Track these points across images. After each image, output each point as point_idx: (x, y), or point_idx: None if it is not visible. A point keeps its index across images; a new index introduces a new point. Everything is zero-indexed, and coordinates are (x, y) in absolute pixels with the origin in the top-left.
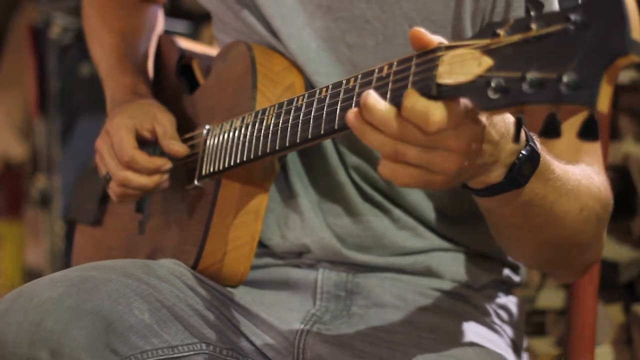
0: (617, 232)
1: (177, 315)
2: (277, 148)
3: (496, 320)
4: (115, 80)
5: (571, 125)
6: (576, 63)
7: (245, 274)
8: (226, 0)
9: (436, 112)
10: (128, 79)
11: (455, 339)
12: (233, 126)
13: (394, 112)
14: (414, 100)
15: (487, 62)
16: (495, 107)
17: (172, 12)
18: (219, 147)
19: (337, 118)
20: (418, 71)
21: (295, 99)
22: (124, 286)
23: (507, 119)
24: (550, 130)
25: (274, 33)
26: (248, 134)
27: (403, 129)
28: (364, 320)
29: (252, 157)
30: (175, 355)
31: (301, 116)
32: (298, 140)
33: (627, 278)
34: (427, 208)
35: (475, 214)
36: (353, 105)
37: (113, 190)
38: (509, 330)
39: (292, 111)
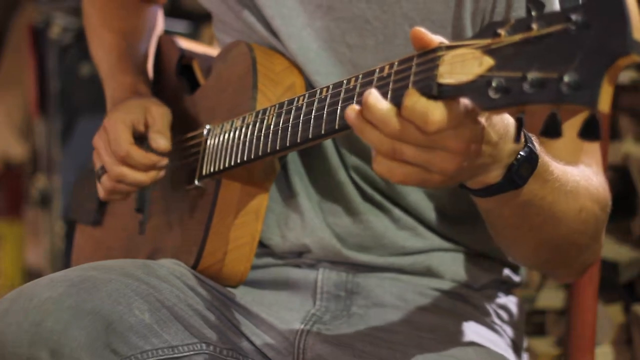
0: (617, 232)
1: (177, 315)
2: (277, 148)
3: (496, 320)
4: (116, 80)
5: (571, 126)
6: (577, 63)
7: (245, 274)
8: (227, 0)
9: (436, 112)
10: (128, 78)
11: (455, 339)
12: (234, 126)
13: (394, 112)
14: (414, 100)
15: (488, 61)
16: (496, 107)
17: (172, 12)
18: (220, 147)
19: (337, 118)
20: (419, 71)
21: (296, 99)
22: (124, 286)
23: (506, 120)
24: (551, 130)
25: (274, 33)
26: (249, 133)
27: (402, 129)
28: (364, 320)
29: (252, 157)
30: (175, 355)
31: (302, 116)
32: (298, 140)
33: (627, 278)
34: (427, 208)
35: (475, 214)
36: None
37: (104, 185)
38: (509, 330)
39: (293, 111)
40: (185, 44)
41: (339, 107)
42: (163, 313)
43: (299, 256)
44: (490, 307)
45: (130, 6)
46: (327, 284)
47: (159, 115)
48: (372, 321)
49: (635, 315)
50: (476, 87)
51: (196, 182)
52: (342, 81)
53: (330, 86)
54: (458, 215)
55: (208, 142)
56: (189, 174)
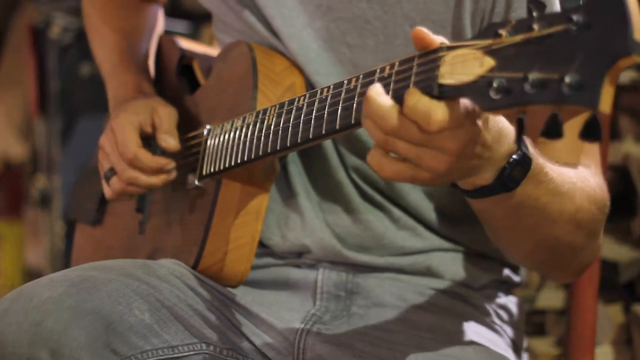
0: (617, 232)
1: (177, 315)
2: (278, 148)
3: (496, 320)
4: (118, 79)
5: (571, 126)
6: (578, 64)
7: (245, 274)
8: (227, 0)
9: (438, 111)
10: (131, 77)
11: (455, 339)
12: (234, 126)
13: (395, 109)
14: (416, 99)
15: (489, 62)
16: (497, 108)
17: (172, 12)
18: (220, 147)
19: (338, 118)
20: (420, 71)
21: (297, 99)
22: (124, 286)
23: (500, 124)
24: (552, 131)
25: (274, 33)
26: (249, 134)
27: (400, 126)
28: (364, 320)
29: (252, 157)
30: (175, 355)
31: (302, 116)
32: (299, 141)
33: (627, 278)
34: (427, 208)
35: (475, 214)
36: (354, 105)
37: (113, 186)
38: (509, 330)
39: (293, 111)
40: (186, 44)
41: (339, 108)
42: (163, 313)
43: (298, 256)
44: (490, 307)
45: (130, 6)
46: (327, 284)
47: (166, 116)
48: (372, 321)
49: (635, 315)
50: (477, 88)
51: (196, 182)
52: (343, 81)
53: (331, 86)
54: (458, 215)
55: (208, 142)
56: (189, 174)
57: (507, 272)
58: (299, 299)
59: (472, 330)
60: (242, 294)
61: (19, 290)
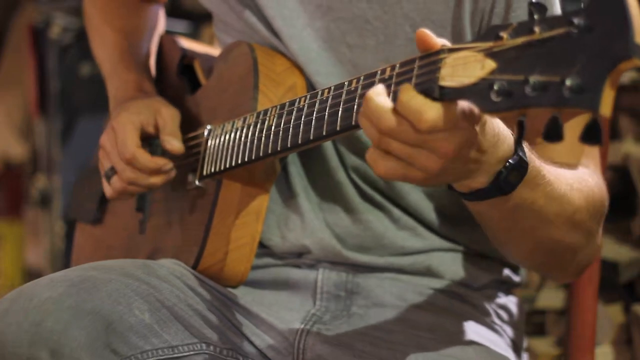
0: (617, 232)
1: (177, 315)
2: (278, 149)
3: (496, 320)
4: (120, 78)
5: (570, 127)
6: (579, 67)
7: (245, 274)
8: (228, 0)
9: (431, 110)
10: (132, 76)
11: (455, 339)
12: (234, 127)
13: (392, 109)
14: (410, 96)
15: (490, 64)
16: (497, 110)
17: (173, 12)
18: (220, 147)
19: (339, 120)
20: (421, 73)
21: (298, 100)
22: (124, 286)
23: (497, 129)
24: (553, 134)
25: (275, 34)
26: (250, 134)
27: (396, 124)
28: (364, 320)
29: (253, 157)
30: (176, 355)
31: (303, 117)
32: (300, 141)
33: (627, 278)
34: (427, 208)
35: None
36: (355, 106)
37: (114, 186)
38: (509, 330)
39: (294, 112)
40: (187, 43)
41: (340, 109)
42: (163, 313)
43: (298, 257)
44: (490, 307)
45: (131, 5)
46: (327, 284)
47: (170, 117)
48: (372, 321)
49: (635, 315)
50: (478, 90)
51: (197, 182)
52: (344, 82)
53: (332, 87)
54: (458, 215)
55: (209, 142)
56: (189, 174)
57: (507, 272)
58: (299, 299)
59: (472, 330)
60: (242, 294)
61: (19, 290)
